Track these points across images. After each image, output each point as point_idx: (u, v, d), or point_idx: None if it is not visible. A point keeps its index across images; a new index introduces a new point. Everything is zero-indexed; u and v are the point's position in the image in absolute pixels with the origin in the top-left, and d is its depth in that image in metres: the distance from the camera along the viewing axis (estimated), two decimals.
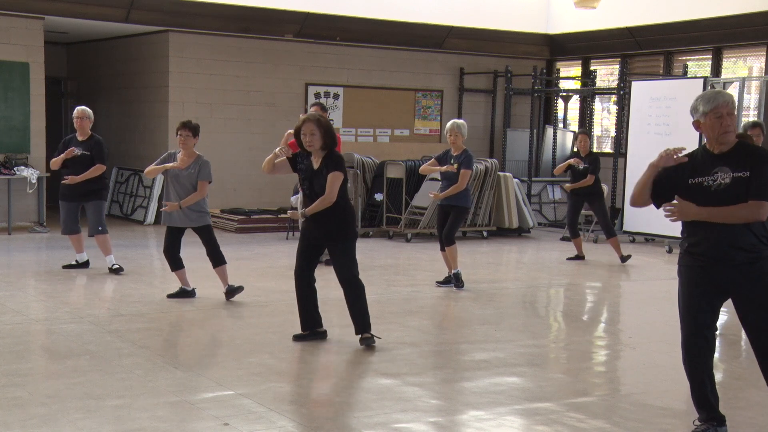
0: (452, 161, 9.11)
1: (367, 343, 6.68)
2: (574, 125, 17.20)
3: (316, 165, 6.64)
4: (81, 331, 7.02)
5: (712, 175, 4.69)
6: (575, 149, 11.85)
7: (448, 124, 9.30)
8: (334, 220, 6.67)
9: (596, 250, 12.55)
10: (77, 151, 9.44)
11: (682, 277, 4.86)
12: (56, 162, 9.54)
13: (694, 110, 4.79)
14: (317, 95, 15.15)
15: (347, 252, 6.72)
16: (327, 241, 6.76)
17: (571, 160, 11.42)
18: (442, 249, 9.33)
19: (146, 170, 8.54)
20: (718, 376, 5.18)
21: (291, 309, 7.84)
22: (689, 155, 4.83)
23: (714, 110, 4.68)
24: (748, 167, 4.63)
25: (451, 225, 9.19)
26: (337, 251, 6.74)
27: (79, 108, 9.78)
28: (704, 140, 4.92)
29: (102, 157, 9.55)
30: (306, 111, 15.08)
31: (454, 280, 9.24)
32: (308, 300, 6.90)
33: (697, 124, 4.80)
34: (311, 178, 6.63)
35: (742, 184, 4.62)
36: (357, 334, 6.76)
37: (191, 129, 8.22)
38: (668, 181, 4.78)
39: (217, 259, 8.35)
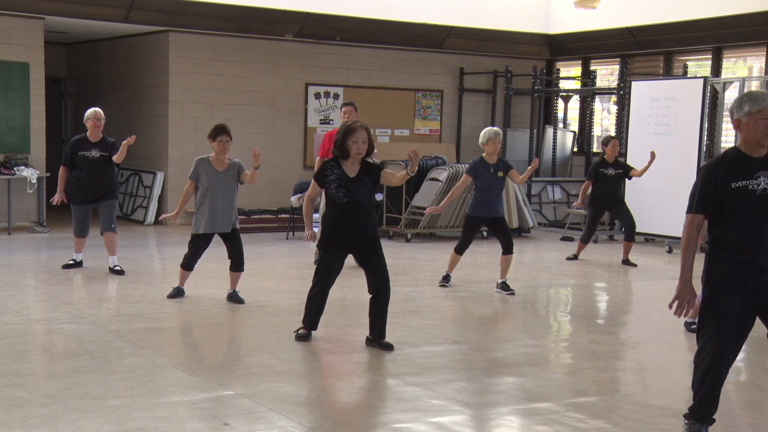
0: (492, 170, 9.05)
1: (389, 347, 6.72)
2: (574, 125, 17.21)
3: (352, 173, 6.65)
4: (81, 331, 7.02)
5: (755, 178, 4.60)
6: (602, 152, 11.67)
7: (491, 132, 9.06)
8: (374, 219, 6.83)
9: (596, 251, 12.56)
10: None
11: (720, 288, 4.67)
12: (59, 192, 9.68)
13: (737, 108, 4.66)
14: (317, 95, 15.16)
15: (381, 250, 6.78)
16: (369, 241, 6.74)
17: (577, 204, 11.97)
18: (460, 253, 9.32)
19: (186, 196, 8.36)
20: None
21: (291, 309, 7.85)
22: (722, 156, 4.74)
23: (761, 111, 4.58)
24: None
25: (509, 234, 9.24)
26: (375, 249, 6.74)
27: (96, 110, 9.69)
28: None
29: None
30: (306, 111, 15.15)
31: (503, 289, 9.19)
32: (325, 304, 6.96)
33: (737, 123, 4.69)
34: (349, 185, 6.62)
35: None
36: (379, 339, 6.76)
37: (230, 135, 8.20)
38: (713, 188, 4.65)
39: (238, 265, 8.32)
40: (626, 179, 11.60)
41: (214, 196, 8.13)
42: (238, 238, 8.33)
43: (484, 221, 9.29)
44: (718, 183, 4.63)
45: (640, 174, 11.42)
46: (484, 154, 9.14)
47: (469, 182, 9.27)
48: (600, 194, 11.43)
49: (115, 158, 9.48)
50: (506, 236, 9.18)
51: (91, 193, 9.60)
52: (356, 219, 6.66)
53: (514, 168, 9.32)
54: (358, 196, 6.64)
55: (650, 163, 11.26)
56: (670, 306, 4.77)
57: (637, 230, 11.72)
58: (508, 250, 9.15)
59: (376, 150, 7.01)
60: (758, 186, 4.59)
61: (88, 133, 9.63)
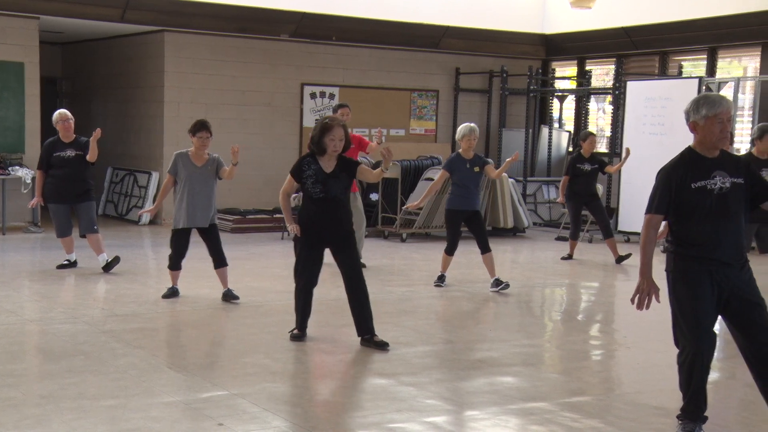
0: (468, 165, 9.13)
1: (384, 346, 6.69)
2: (569, 125, 17.21)
3: (329, 169, 6.72)
4: (75, 331, 7.02)
5: (712, 178, 4.73)
6: (578, 148, 11.83)
7: (466, 128, 9.13)
8: (349, 213, 6.91)
9: (591, 250, 12.57)
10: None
11: (688, 285, 4.78)
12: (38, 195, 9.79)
13: (693, 111, 4.76)
14: (313, 95, 15.15)
15: (355, 245, 6.85)
16: (344, 235, 6.79)
17: (560, 200, 12.11)
18: (450, 253, 9.34)
19: (164, 193, 8.48)
20: (713, 376, 5.20)
21: (286, 309, 7.84)
22: (680, 158, 4.84)
23: (717, 115, 4.69)
24: (743, 174, 4.76)
25: (485, 231, 9.31)
26: (350, 244, 6.80)
27: (61, 111, 9.78)
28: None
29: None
30: (302, 111, 15.14)
31: (497, 286, 9.19)
32: (311, 303, 6.97)
33: (693, 125, 4.79)
34: (325, 181, 6.70)
35: (740, 190, 4.73)
36: (366, 335, 6.76)
37: (211, 131, 8.23)
38: (674, 189, 4.76)
39: (221, 260, 8.34)
40: (601, 174, 11.85)
41: (192, 191, 8.17)
42: (216, 233, 8.36)
43: (464, 215, 9.30)
44: (679, 184, 4.75)
45: (615, 170, 11.88)
46: (460, 150, 9.23)
47: (446, 177, 9.41)
48: (577, 188, 11.59)
49: (88, 158, 9.49)
50: (482, 234, 9.25)
51: (69, 191, 9.62)
52: (332, 213, 6.74)
53: (491, 163, 9.47)
54: (335, 191, 6.72)
55: (625, 159, 11.61)
56: (632, 300, 4.87)
57: (632, 229, 11.78)
58: (485, 248, 9.23)
59: (384, 141, 6.96)
60: (715, 186, 4.73)
61: (60, 135, 9.67)
